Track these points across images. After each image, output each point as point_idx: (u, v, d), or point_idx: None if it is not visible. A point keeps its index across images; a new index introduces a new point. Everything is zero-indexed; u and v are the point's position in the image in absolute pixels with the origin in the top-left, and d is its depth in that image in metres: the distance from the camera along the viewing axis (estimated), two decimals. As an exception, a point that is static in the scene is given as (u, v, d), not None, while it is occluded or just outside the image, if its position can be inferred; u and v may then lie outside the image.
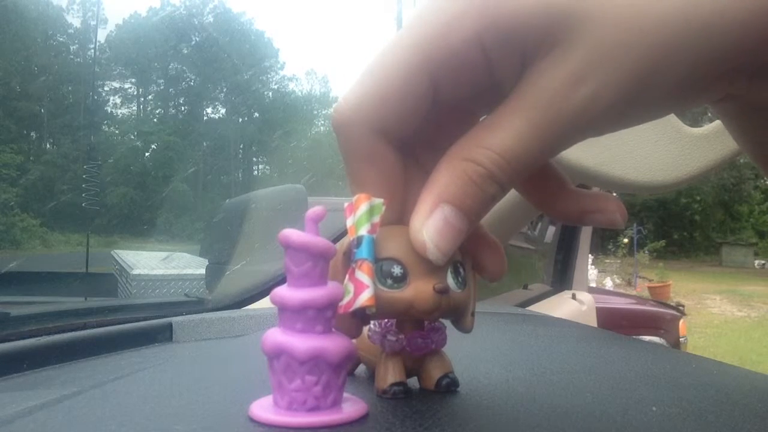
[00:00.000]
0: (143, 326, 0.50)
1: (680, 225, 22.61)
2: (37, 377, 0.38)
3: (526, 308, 1.09)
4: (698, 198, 21.23)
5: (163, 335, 0.51)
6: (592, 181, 0.65)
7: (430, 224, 0.22)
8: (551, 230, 1.90)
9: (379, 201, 0.23)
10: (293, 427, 0.23)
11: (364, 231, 0.23)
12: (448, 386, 0.28)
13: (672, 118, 0.61)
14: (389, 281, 0.24)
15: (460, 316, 0.26)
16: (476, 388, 0.29)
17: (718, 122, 0.59)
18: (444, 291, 0.24)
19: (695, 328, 6.89)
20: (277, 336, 0.23)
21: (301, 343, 0.23)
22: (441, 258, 0.22)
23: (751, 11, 0.18)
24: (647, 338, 2.37)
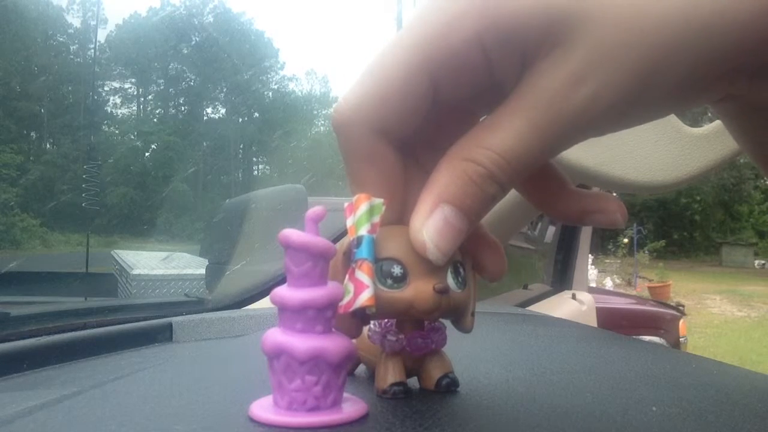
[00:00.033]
0: (143, 326, 0.50)
1: (680, 225, 22.62)
2: (37, 377, 0.38)
3: (526, 308, 1.09)
4: (698, 198, 21.24)
5: (163, 335, 0.51)
6: (592, 181, 0.65)
7: (430, 224, 0.22)
8: (551, 230, 1.90)
9: (379, 201, 0.23)
10: (293, 427, 0.23)
11: (364, 231, 0.23)
12: (448, 386, 0.28)
13: (672, 118, 0.61)
14: (389, 281, 0.24)
15: (460, 316, 0.26)
16: (476, 388, 0.29)
17: (718, 122, 0.59)
18: (444, 291, 0.24)
19: (695, 328, 6.89)
20: (277, 336, 0.23)
21: (301, 343, 0.23)
22: (441, 258, 0.22)
23: (751, 12, 0.18)
24: (647, 338, 2.37)
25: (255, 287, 0.72)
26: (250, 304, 0.70)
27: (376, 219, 0.23)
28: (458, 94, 0.22)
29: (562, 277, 1.92)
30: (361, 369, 0.32)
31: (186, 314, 0.54)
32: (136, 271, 1.66)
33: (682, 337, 2.93)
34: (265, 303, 0.68)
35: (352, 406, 0.24)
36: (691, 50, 0.19)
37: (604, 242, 12.60)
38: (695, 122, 0.65)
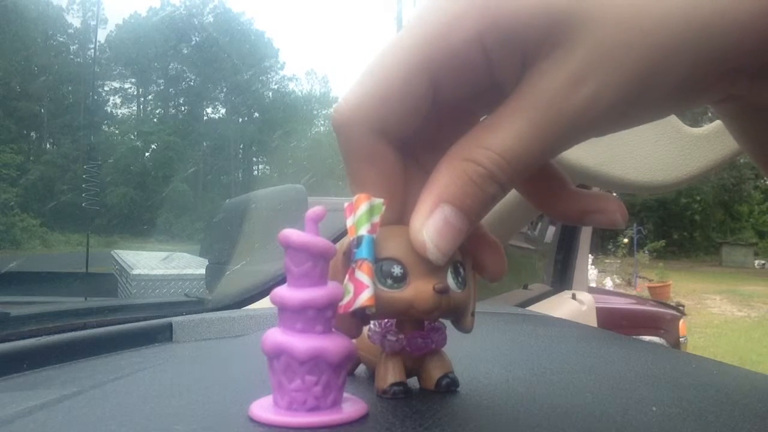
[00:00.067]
0: (143, 326, 0.50)
1: (680, 225, 22.62)
2: (37, 377, 0.38)
3: (526, 308, 1.09)
4: (698, 198, 21.24)
5: (163, 335, 0.51)
6: (592, 181, 0.65)
7: (430, 224, 0.22)
8: (551, 230, 1.90)
9: (379, 201, 0.23)
10: (293, 427, 0.23)
11: (364, 231, 0.23)
12: (448, 386, 0.28)
13: (672, 118, 0.61)
14: (389, 281, 0.24)
15: (460, 316, 0.26)
16: (476, 388, 0.29)
17: (718, 122, 0.59)
18: (444, 291, 0.24)
19: (695, 328, 6.89)
20: (277, 336, 0.23)
21: (301, 343, 0.23)
22: (441, 258, 0.22)
23: (751, 12, 0.18)
24: (647, 338, 2.36)
25: (255, 287, 0.72)
26: (250, 304, 0.70)
27: (376, 219, 0.23)
28: (458, 94, 0.22)
29: (562, 277, 1.92)
30: (361, 369, 0.32)
31: (186, 314, 0.54)
32: (136, 271, 1.66)
33: (682, 337, 2.93)
34: (265, 303, 0.68)
35: (352, 406, 0.24)
36: (691, 50, 0.19)
37: (604, 242, 12.60)
38: (695, 122, 0.65)
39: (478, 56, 0.20)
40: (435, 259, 0.22)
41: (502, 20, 0.20)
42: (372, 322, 0.27)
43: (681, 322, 2.97)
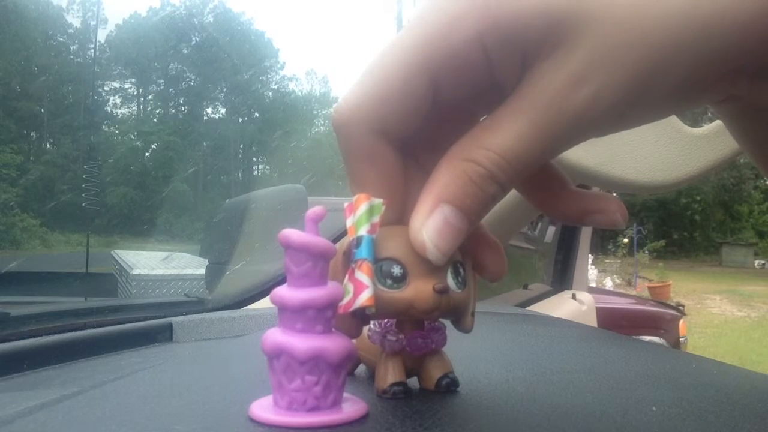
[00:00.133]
0: (143, 326, 0.50)
1: (680, 225, 22.62)
2: (37, 377, 0.38)
3: (526, 308, 1.09)
4: (698, 198, 21.24)
5: (163, 335, 0.51)
6: (592, 181, 0.65)
7: (430, 224, 0.22)
8: (551, 230, 1.90)
9: (378, 201, 0.23)
10: (293, 427, 0.23)
11: (363, 231, 0.23)
12: (448, 386, 0.28)
13: (672, 118, 0.61)
14: (389, 281, 0.24)
15: (460, 316, 0.26)
16: (476, 388, 0.29)
17: (718, 122, 0.59)
18: (444, 291, 0.24)
19: (695, 328, 6.88)
20: (277, 336, 0.23)
21: (301, 343, 0.23)
22: (440, 258, 0.22)
23: (752, 12, 0.18)
24: (647, 338, 2.36)
25: (255, 287, 0.72)
26: (250, 304, 0.70)
27: (376, 219, 0.23)
28: (458, 94, 0.22)
29: (562, 277, 1.92)
30: (361, 369, 0.32)
31: (186, 314, 0.54)
32: (136, 271, 1.66)
33: (682, 337, 2.93)
34: (265, 303, 0.68)
35: (352, 406, 0.24)
36: (692, 51, 0.19)
37: (604, 242, 12.60)
38: (695, 122, 0.65)
39: (479, 56, 0.20)
40: (435, 259, 0.22)
41: (503, 20, 0.20)
42: (372, 322, 0.27)
43: (681, 322, 2.97)
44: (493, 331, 0.51)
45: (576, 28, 0.19)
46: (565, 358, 0.40)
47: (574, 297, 1.78)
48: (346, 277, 0.24)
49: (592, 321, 1.78)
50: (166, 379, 0.32)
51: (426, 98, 0.22)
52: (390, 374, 0.27)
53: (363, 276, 0.23)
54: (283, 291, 0.23)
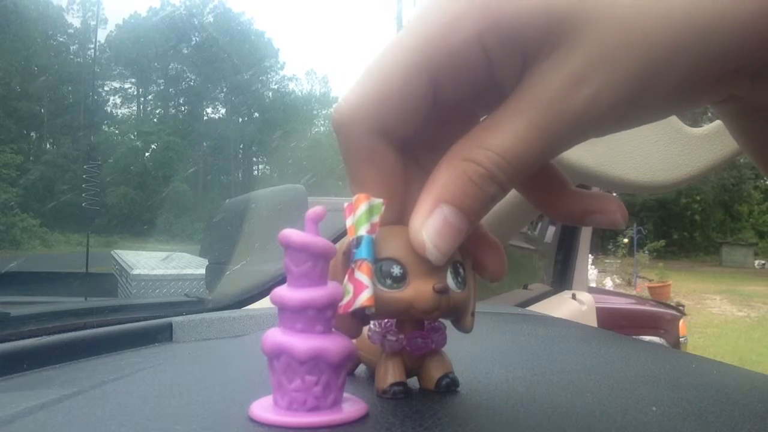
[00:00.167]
0: (143, 326, 0.50)
1: (680, 225, 22.62)
2: (37, 377, 0.38)
3: (526, 308, 1.09)
4: (698, 198, 21.24)
5: (163, 335, 0.51)
6: (592, 181, 0.65)
7: (430, 224, 0.22)
8: (551, 230, 1.90)
9: (378, 201, 0.23)
10: (293, 427, 0.23)
11: (363, 231, 0.23)
12: (448, 386, 0.28)
13: (672, 119, 0.61)
14: (389, 281, 0.24)
15: (460, 316, 0.26)
16: (476, 388, 0.29)
17: (718, 122, 0.59)
18: (443, 291, 0.24)
19: (695, 328, 6.88)
20: (277, 336, 0.23)
21: (301, 343, 0.23)
22: (440, 258, 0.22)
23: (752, 13, 0.18)
24: (647, 338, 2.36)
25: (255, 287, 0.72)
26: (250, 304, 0.70)
27: (376, 219, 0.23)
28: (459, 94, 0.22)
29: (562, 277, 1.92)
30: (361, 369, 0.32)
31: (186, 314, 0.54)
32: (136, 271, 1.66)
33: (682, 337, 2.93)
34: (265, 303, 0.68)
35: (352, 406, 0.24)
36: (692, 51, 0.19)
37: (604, 242, 12.59)
38: (695, 122, 0.65)
39: (479, 56, 0.20)
40: (434, 260, 0.22)
41: (503, 20, 0.20)
42: (372, 322, 0.27)
43: (681, 322, 2.97)
44: (493, 331, 0.51)
45: (576, 28, 0.19)
46: (565, 358, 0.40)
47: (574, 297, 1.78)
48: (346, 277, 0.24)
49: (592, 321, 1.78)
50: (166, 379, 0.32)
51: (426, 98, 0.22)
52: (390, 374, 0.27)
53: (363, 276, 0.23)
54: (283, 291, 0.23)
